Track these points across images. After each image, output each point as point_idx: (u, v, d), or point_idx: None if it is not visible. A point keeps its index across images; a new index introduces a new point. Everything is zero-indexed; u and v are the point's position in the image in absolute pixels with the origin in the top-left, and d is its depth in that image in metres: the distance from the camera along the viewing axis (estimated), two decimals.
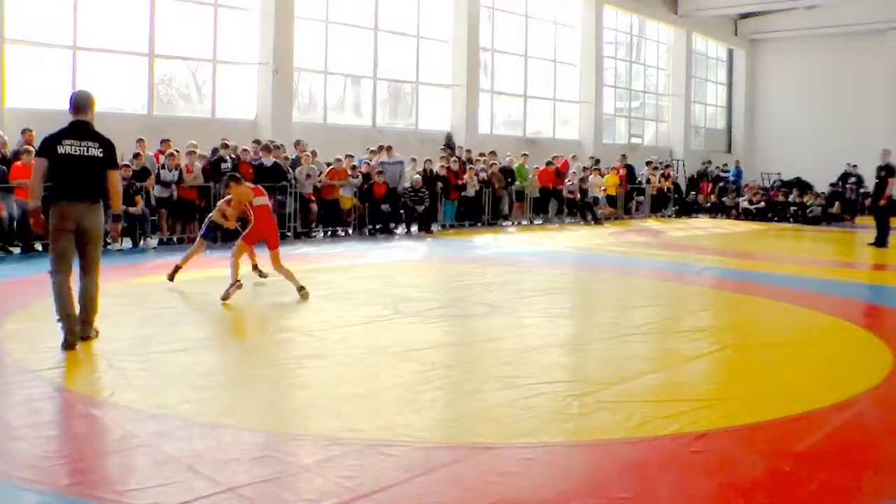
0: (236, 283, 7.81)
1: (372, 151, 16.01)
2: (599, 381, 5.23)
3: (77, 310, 5.79)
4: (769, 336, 6.97)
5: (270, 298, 8.02)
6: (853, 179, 22.13)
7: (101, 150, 5.79)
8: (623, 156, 22.64)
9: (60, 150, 5.71)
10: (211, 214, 8.91)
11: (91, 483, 3.45)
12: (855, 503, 3.56)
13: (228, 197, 8.59)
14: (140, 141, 12.91)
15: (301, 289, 7.93)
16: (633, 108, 28.48)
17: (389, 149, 15.97)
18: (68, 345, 5.66)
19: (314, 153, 14.88)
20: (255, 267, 9.00)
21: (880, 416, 4.78)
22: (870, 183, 21.47)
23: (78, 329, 5.78)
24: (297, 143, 15.21)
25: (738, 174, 26.00)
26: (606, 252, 13.58)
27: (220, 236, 11.69)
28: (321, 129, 17.21)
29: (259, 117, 16.39)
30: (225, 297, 7.66)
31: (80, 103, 5.88)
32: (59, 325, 5.71)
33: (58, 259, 5.78)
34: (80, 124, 5.84)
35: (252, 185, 8.56)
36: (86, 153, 5.73)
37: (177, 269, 8.62)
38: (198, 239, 9.06)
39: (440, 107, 20.71)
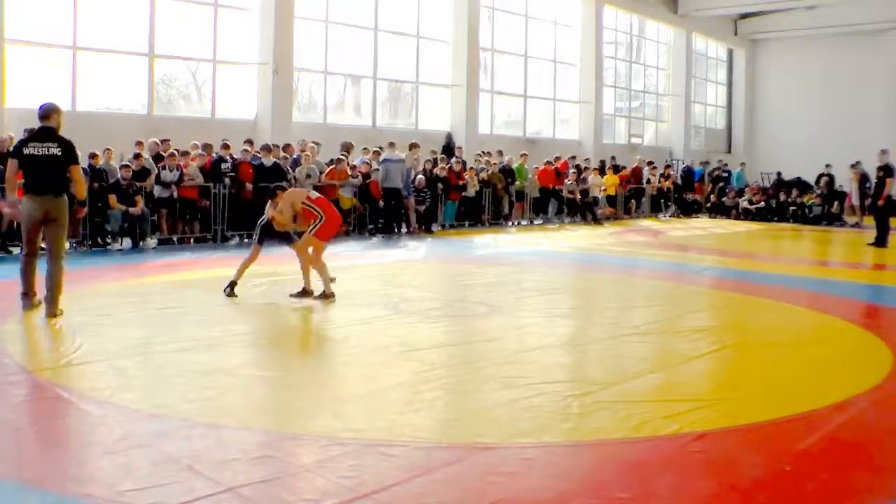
0: (328, 289, 7.76)
1: (375, 152, 15.96)
2: (599, 381, 5.23)
3: (39, 286, 6.87)
4: (769, 336, 6.97)
5: (271, 298, 8.02)
6: (825, 179, 22.62)
7: (59, 149, 6.72)
8: (611, 157, 22.52)
9: (26, 151, 6.76)
10: (262, 219, 8.22)
11: (91, 483, 3.45)
12: (855, 503, 3.56)
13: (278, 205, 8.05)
14: (139, 143, 12.92)
15: (305, 292, 7.83)
16: (633, 108, 28.48)
17: (392, 145, 15.92)
18: (26, 308, 6.85)
19: (349, 149, 15.45)
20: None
21: (880, 416, 4.77)
22: (845, 183, 21.91)
23: (36, 299, 6.91)
24: (302, 145, 15.21)
25: (698, 174, 25.12)
26: (606, 252, 13.58)
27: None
28: (321, 129, 17.19)
29: (259, 117, 16.39)
30: (324, 296, 7.75)
31: (44, 112, 6.85)
32: (20, 295, 6.89)
33: (26, 242, 6.95)
34: (44, 129, 6.81)
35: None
36: (46, 153, 6.71)
37: (233, 283, 8.08)
38: (252, 247, 8.30)
39: (440, 107, 20.70)
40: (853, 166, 20.79)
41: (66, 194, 6.87)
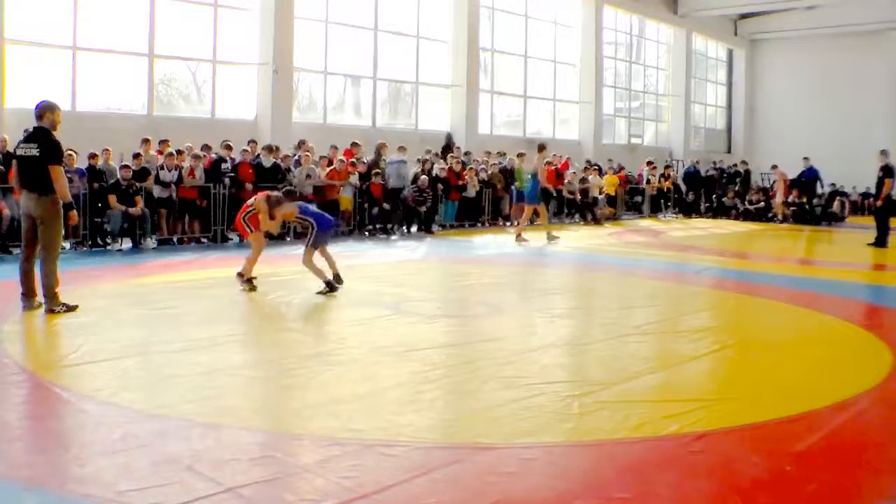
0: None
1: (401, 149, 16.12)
2: (599, 381, 5.23)
3: (36, 285, 6.99)
4: (769, 336, 6.97)
5: (271, 299, 8.02)
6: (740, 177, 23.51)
7: (38, 149, 6.82)
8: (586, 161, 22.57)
9: (18, 152, 7.08)
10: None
11: (91, 483, 3.45)
12: (855, 503, 3.56)
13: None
14: (146, 141, 12.95)
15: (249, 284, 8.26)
16: (633, 108, 28.49)
17: (402, 149, 15.96)
18: (25, 309, 6.91)
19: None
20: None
21: (880, 416, 4.78)
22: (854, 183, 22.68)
23: (35, 300, 6.96)
24: (302, 143, 15.20)
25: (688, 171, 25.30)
26: (606, 252, 13.58)
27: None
28: (321, 130, 17.21)
29: (259, 117, 16.39)
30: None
31: (37, 112, 7.01)
32: (20, 295, 6.99)
33: (23, 242, 7.13)
34: (34, 130, 7.01)
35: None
36: (26, 154, 6.90)
37: (335, 278, 8.38)
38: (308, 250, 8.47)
39: (440, 107, 20.71)
40: (774, 167, 22.09)
41: (53, 194, 6.88)
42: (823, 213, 21.98)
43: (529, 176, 14.89)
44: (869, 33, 28.20)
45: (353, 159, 15.13)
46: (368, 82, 19.20)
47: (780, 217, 21.70)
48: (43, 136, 6.89)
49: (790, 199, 22.28)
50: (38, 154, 6.81)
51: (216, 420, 4.25)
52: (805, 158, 21.81)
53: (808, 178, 21.71)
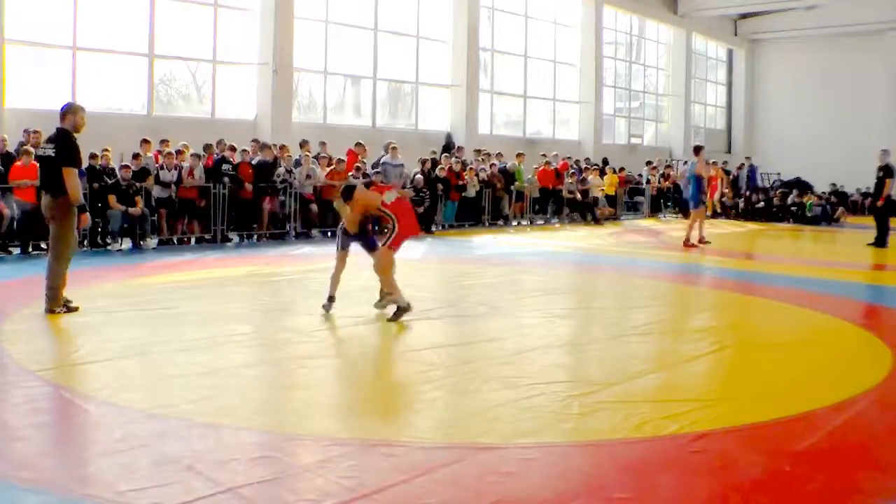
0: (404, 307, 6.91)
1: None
2: (599, 381, 5.23)
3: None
4: (769, 336, 6.97)
5: (271, 299, 8.02)
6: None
7: (53, 149, 6.88)
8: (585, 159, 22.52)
9: (38, 152, 7.36)
10: (342, 224, 7.37)
11: (91, 483, 3.46)
12: (855, 503, 3.56)
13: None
14: (145, 142, 12.94)
15: (400, 310, 6.94)
16: (633, 108, 28.49)
17: (395, 149, 15.99)
18: (46, 311, 6.81)
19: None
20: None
21: (880, 416, 4.78)
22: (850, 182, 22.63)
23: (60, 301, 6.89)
24: (303, 144, 15.20)
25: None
26: (606, 252, 13.58)
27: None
28: (321, 129, 17.20)
29: (259, 117, 16.39)
30: (392, 318, 6.91)
31: (60, 114, 7.00)
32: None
33: (49, 240, 7.16)
34: (56, 130, 7.02)
35: (378, 185, 7.61)
36: (44, 154, 7.02)
37: (331, 298, 7.31)
38: (337, 254, 7.51)
39: (440, 107, 20.71)
40: (713, 163, 21.85)
41: (65, 196, 6.82)
42: (824, 213, 21.96)
43: (689, 179, 14.55)
44: (869, 33, 28.21)
45: (358, 164, 15.07)
46: (368, 82, 19.20)
47: (709, 212, 21.77)
48: (61, 137, 6.92)
49: (723, 196, 22.38)
50: (53, 155, 6.88)
51: (216, 420, 4.25)
52: (747, 158, 21.84)
53: (752, 176, 21.86)
